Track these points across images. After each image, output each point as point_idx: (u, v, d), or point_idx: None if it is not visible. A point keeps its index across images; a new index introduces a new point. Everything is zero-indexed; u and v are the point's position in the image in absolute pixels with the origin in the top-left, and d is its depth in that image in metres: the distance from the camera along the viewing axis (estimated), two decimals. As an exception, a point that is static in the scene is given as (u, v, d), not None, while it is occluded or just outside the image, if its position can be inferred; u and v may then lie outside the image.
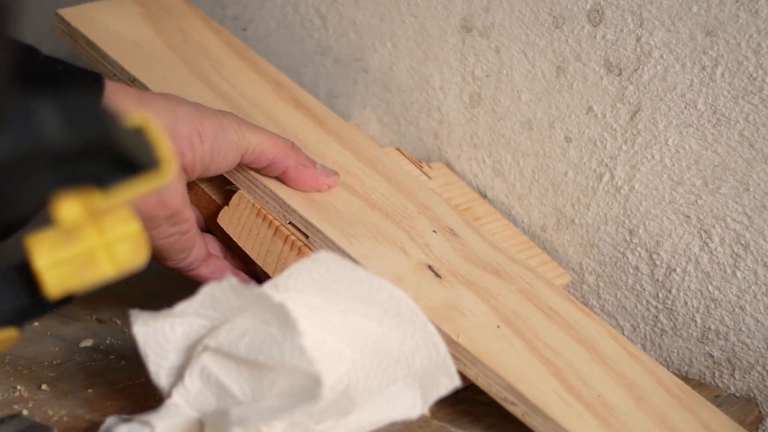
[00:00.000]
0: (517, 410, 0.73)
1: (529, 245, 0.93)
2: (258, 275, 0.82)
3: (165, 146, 0.54)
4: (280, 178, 0.81)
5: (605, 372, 0.79)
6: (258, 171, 0.81)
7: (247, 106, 0.88)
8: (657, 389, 0.80)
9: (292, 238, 0.79)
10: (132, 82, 0.86)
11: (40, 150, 0.50)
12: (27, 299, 0.62)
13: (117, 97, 0.72)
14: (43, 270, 0.59)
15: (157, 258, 0.78)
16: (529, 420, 0.72)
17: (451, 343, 0.74)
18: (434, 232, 0.84)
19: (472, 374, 0.74)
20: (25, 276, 0.61)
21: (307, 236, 0.79)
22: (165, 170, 0.54)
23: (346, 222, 0.80)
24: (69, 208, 0.54)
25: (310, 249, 0.78)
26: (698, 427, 0.78)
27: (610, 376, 0.78)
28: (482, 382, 0.74)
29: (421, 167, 0.94)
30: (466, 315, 0.77)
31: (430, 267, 0.80)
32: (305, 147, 0.86)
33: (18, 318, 0.62)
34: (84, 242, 0.59)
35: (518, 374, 0.74)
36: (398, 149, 0.94)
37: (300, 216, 0.79)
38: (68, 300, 0.62)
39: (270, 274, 0.79)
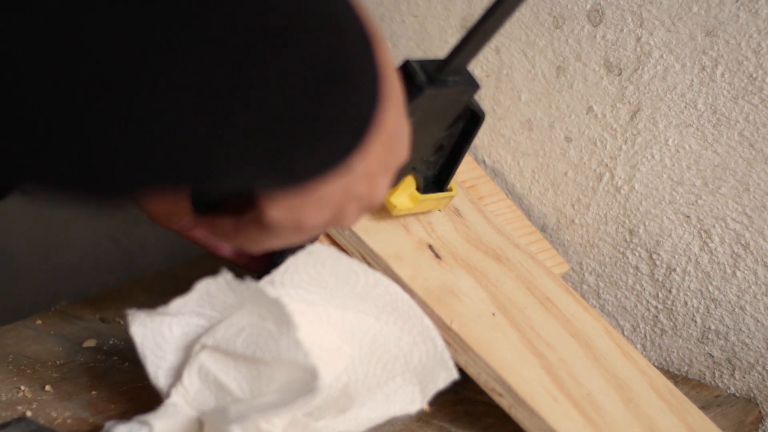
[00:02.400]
0: (504, 402, 0.73)
1: (531, 230, 0.91)
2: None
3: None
4: None
5: (597, 370, 0.78)
6: None
7: None
8: (648, 391, 0.79)
9: None
10: None
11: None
12: None
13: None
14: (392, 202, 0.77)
15: None
16: (515, 413, 0.72)
17: (444, 328, 0.73)
18: (438, 210, 0.83)
19: (462, 361, 0.73)
20: None
21: None
22: (452, 195, 0.78)
23: None
24: (401, 195, 0.75)
25: None
26: None
27: (601, 375, 0.78)
28: (472, 371, 0.73)
29: None
30: (462, 300, 0.76)
31: (430, 247, 0.79)
32: None
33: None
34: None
35: (508, 365, 0.73)
36: None
37: None
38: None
39: None
